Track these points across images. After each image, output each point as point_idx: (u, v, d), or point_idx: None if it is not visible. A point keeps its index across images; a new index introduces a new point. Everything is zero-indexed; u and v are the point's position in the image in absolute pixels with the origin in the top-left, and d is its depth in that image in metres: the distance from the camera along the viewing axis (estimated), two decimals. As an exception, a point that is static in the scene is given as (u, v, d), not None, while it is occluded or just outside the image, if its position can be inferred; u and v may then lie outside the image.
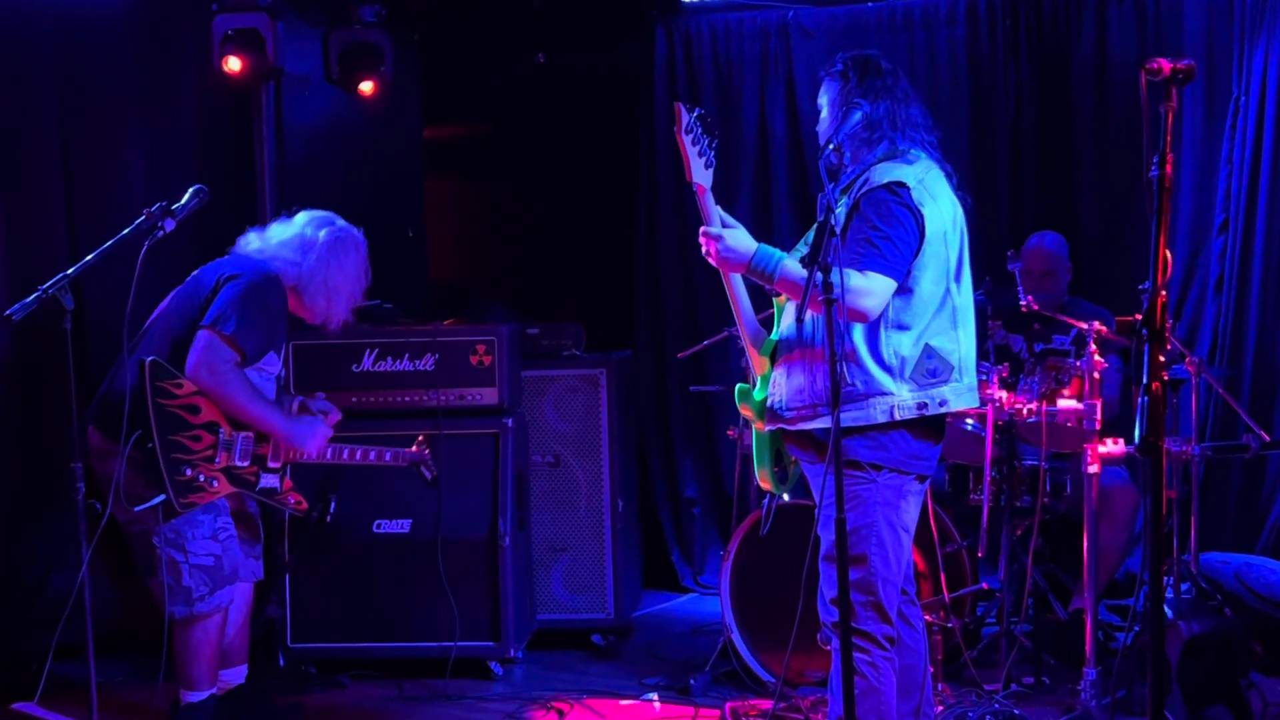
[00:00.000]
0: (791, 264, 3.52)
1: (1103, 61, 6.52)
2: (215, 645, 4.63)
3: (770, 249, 3.55)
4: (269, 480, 4.66)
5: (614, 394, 5.85)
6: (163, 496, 4.40)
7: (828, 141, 3.41)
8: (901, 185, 3.51)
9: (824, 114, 3.78)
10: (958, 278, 3.62)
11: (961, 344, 3.62)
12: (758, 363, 3.78)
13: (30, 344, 5.20)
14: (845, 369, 3.50)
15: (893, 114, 3.62)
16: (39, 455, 5.33)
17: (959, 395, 3.61)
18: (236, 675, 4.83)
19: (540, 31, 7.25)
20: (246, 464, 4.59)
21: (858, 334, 3.53)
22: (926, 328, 3.56)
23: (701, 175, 3.49)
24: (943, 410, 3.58)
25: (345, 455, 4.78)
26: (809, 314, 3.60)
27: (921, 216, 3.51)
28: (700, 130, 3.47)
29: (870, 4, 6.90)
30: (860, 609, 3.57)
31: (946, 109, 6.65)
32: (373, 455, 4.83)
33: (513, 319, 5.98)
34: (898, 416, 3.54)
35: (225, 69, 5.70)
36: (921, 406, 3.54)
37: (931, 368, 3.55)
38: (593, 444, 5.84)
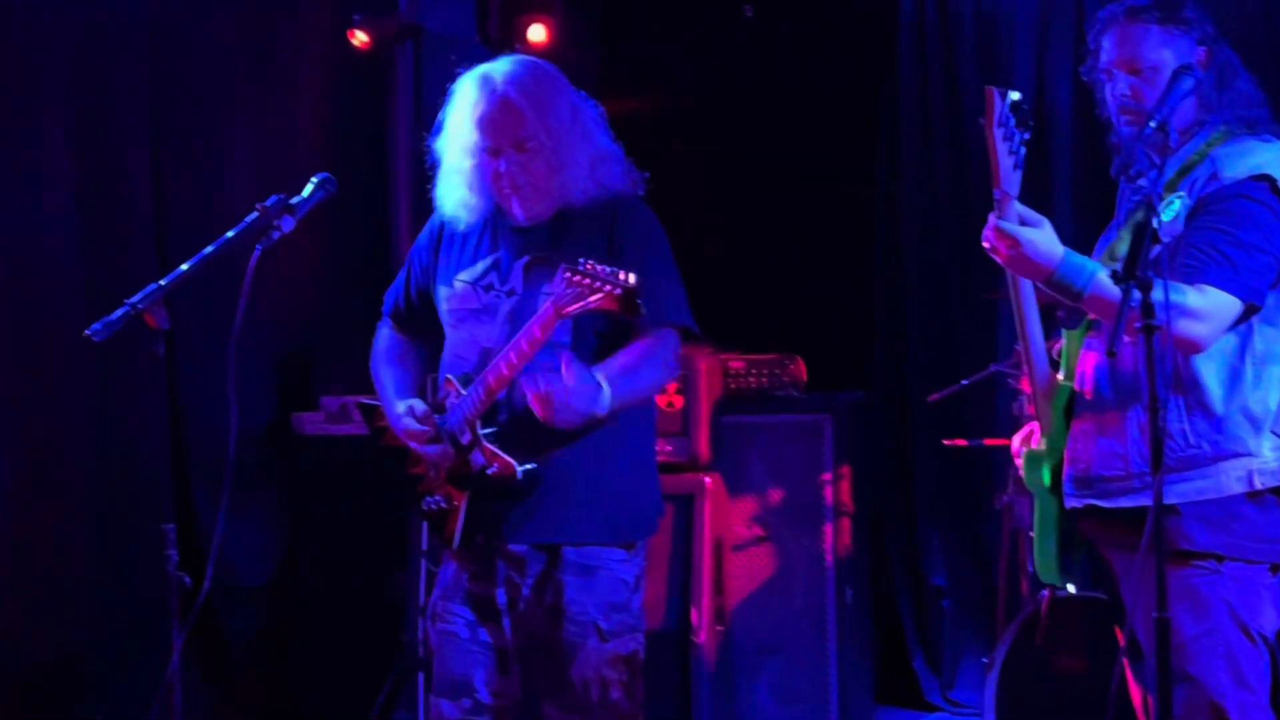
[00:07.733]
0: (1106, 278, 3.30)
1: None
2: None
3: (1081, 258, 3.34)
4: (476, 459, 4.30)
5: (842, 447, 5.76)
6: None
7: (1149, 116, 3.24)
8: (1268, 179, 3.30)
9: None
10: None
11: None
12: (1045, 416, 3.58)
13: (115, 368, 5.21)
14: (1186, 422, 3.33)
15: (1224, 80, 3.46)
16: (121, 510, 5.35)
17: None
18: None
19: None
20: (451, 455, 4.32)
21: (1209, 372, 3.31)
22: None
23: (1010, 181, 3.34)
24: None
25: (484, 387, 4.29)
26: (1126, 347, 3.37)
27: None
28: (1014, 123, 3.32)
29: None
30: None
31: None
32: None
33: (710, 348, 5.82)
34: (1257, 485, 3.31)
35: (352, 40, 5.73)
36: None
37: None
38: (813, 512, 5.73)
